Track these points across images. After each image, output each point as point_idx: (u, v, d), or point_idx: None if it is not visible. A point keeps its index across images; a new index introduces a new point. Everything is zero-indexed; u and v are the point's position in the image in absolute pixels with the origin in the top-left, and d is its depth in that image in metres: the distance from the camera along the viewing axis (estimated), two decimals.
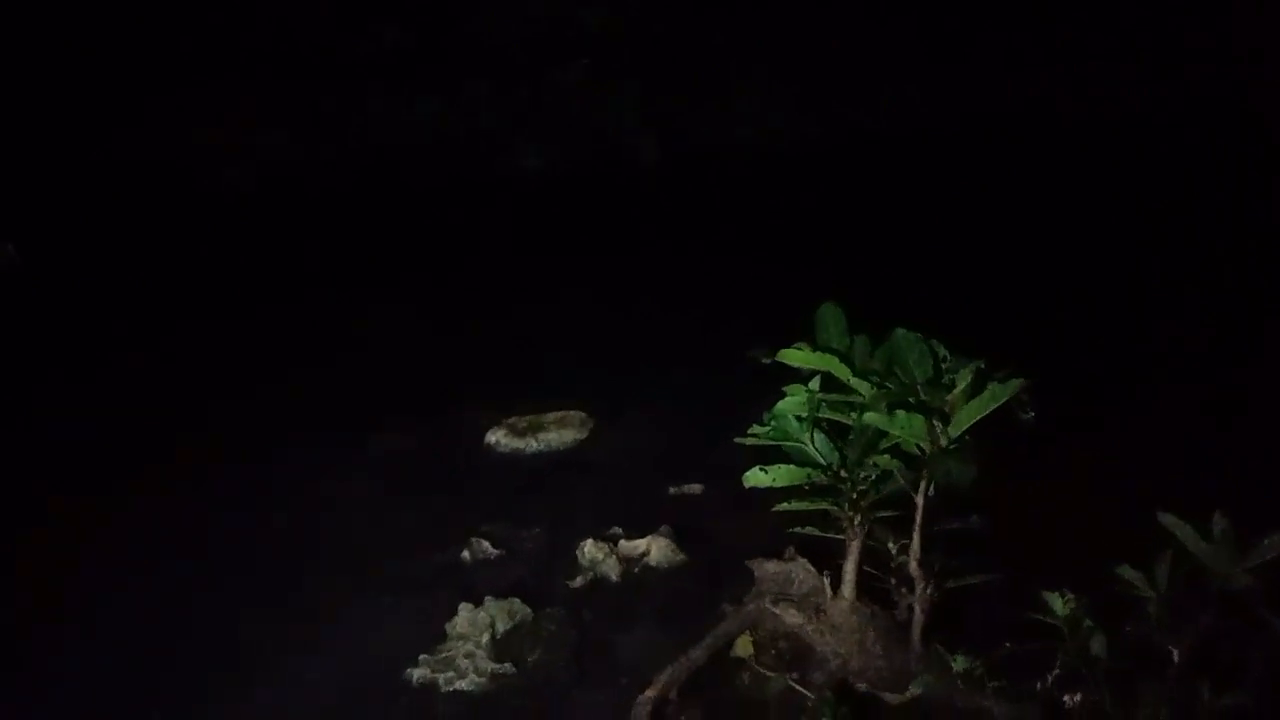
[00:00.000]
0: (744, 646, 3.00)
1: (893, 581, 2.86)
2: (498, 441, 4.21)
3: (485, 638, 3.10)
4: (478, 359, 5.12)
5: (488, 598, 3.21)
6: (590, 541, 3.43)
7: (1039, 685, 2.39)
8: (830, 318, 2.87)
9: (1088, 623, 2.33)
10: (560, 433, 4.22)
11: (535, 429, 4.24)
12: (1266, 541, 2.13)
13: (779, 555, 3.12)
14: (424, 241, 6.90)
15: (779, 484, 2.76)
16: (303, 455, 4.16)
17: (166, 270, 6.39)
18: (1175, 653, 2.21)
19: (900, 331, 2.75)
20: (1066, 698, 2.32)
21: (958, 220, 6.76)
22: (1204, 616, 2.14)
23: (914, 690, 2.54)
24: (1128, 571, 2.24)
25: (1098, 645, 2.32)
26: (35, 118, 7.71)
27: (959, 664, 2.54)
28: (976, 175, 7.60)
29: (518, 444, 4.19)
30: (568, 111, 8.84)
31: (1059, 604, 2.39)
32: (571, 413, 4.31)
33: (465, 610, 3.17)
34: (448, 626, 3.13)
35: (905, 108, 9.26)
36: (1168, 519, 2.20)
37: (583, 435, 4.23)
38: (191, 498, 3.91)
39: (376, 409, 4.54)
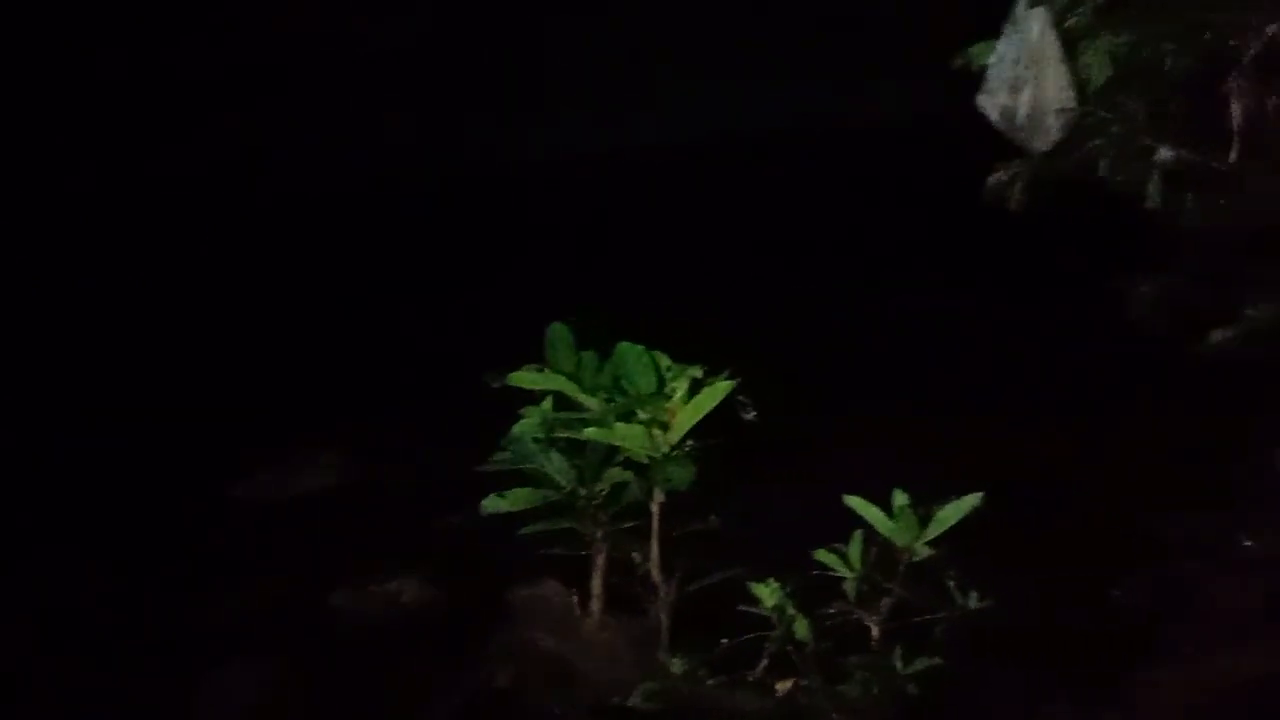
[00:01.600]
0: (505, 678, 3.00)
1: (639, 590, 2.91)
2: (239, 486, 4.07)
3: None
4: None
5: None
6: (339, 591, 3.35)
7: (750, 676, 2.49)
8: (559, 338, 2.93)
9: (789, 609, 2.44)
10: (315, 473, 4.11)
11: (283, 469, 4.12)
12: (939, 514, 2.28)
13: (536, 579, 3.14)
14: None
15: (517, 508, 2.79)
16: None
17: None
18: (872, 628, 2.34)
19: (624, 345, 2.84)
20: (778, 685, 2.42)
21: (710, 231, 6.94)
22: (894, 590, 2.28)
23: (633, 700, 2.60)
24: (824, 555, 2.37)
25: (801, 629, 2.43)
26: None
27: (676, 666, 2.61)
28: (735, 186, 7.82)
29: (267, 489, 4.06)
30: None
31: (766, 594, 2.49)
32: (322, 451, 4.21)
33: None
34: None
35: (669, 121, 9.47)
36: (853, 501, 2.34)
37: (335, 475, 4.13)
38: None
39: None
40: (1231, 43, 3.14)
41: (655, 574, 2.83)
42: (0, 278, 6.27)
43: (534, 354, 2.90)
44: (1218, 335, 3.26)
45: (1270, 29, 3.02)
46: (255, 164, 8.05)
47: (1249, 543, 3.20)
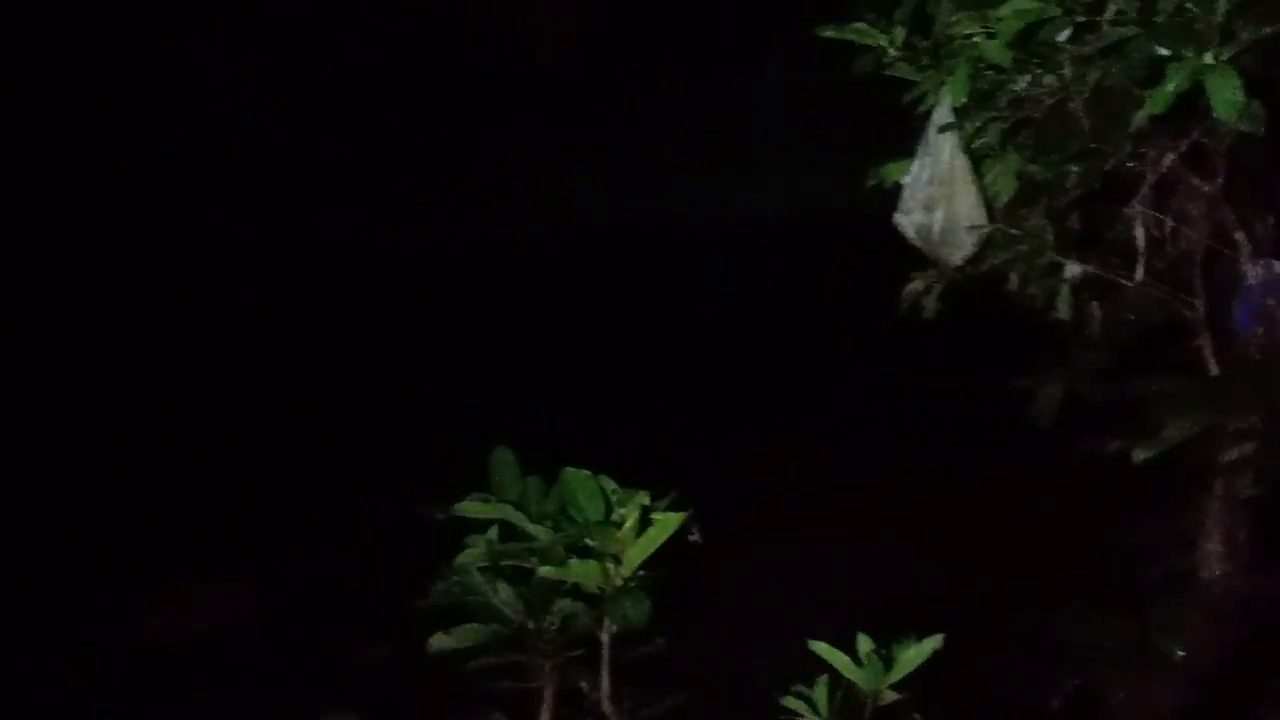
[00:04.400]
0: None
1: None
2: (155, 622, 3.87)
3: None
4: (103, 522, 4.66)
5: None
6: None
7: None
8: (503, 462, 2.89)
9: None
10: (222, 604, 3.95)
11: (192, 602, 3.94)
12: (901, 656, 2.32)
13: (482, 714, 3.06)
14: None
15: (465, 644, 2.72)
16: None
17: None
18: None
19: (569, 470, 2.81)
20: None
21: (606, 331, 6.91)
22: None
23: None
24: (792, 701, 2.37)
25: None
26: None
27: None
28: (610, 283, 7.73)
29: (163, 635, 3.86)
30: None
31: None
32: (228, 580, 4.05)
33: None
34: None
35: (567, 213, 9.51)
36: (820, 647, 2.36)
37: (244, 605, 3.97)
38: None
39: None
40: (1130, 165, 3.35)
41: (605, 705, 2.78)
42: None
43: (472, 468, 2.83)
44: (1125, 445, 3.39)
45: (1166, 160, 3.23)
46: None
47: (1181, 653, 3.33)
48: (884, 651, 2.32)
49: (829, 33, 3.56)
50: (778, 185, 9.08)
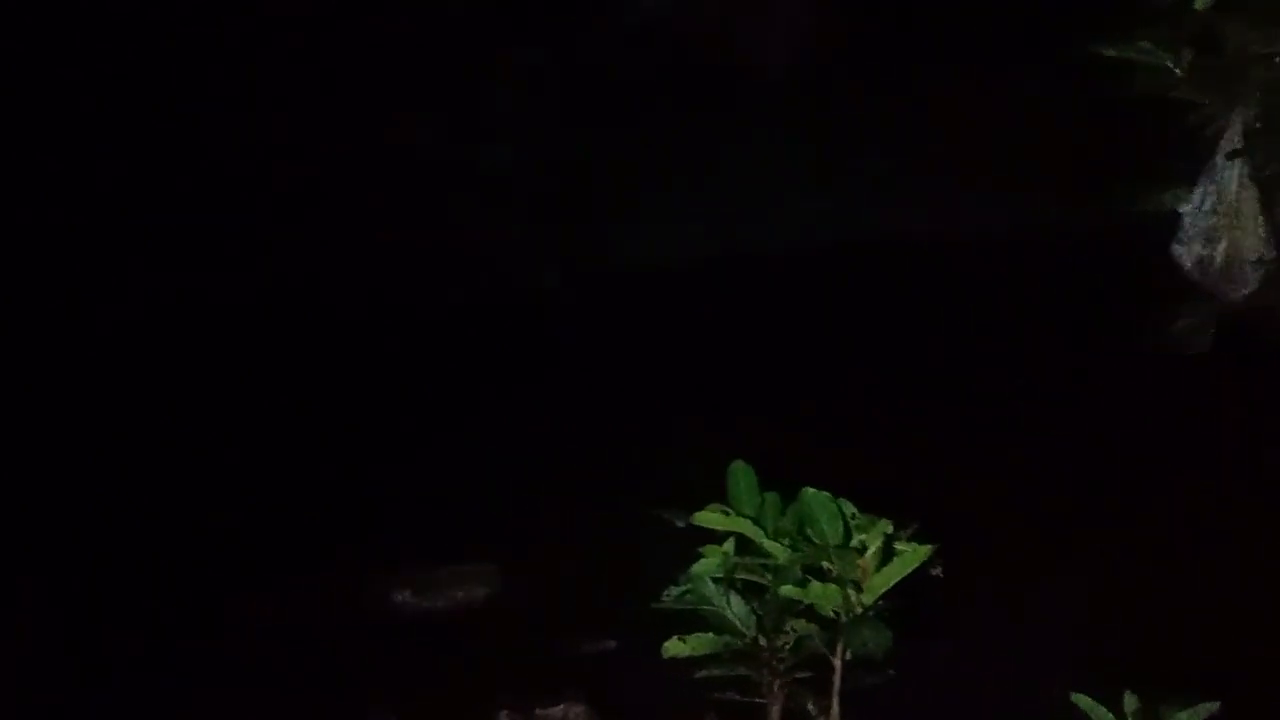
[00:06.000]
0: None
1: None
2: (403, 601, 4.11)
3: None
4: (356, 508, 4.95)
5: None
6: (505, 713, 3.35)
7: None
8: (741, 477, 2.91)
9: None
10: (466, 589, 4.14)
11: (437, 585, 4.15)
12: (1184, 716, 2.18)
13: None
14: None
15: (698, 653, 2.76)
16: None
17: None
18: None
19: (809, 491, 2.80)
20: None
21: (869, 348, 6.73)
22: None
23: None
24: None
25: None
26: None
27: None
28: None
29: (422, 602, 4.09)
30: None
31: None
32: (474, 567, 4.23)
33: None
34: None
35: (800, 228, 9.41)
36: (1082, 701, 2.25)
37: (490, 591, 4.15)
38: None
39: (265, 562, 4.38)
40: None
41: None
42: None
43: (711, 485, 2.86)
44: None
45: None
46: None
47: None
48: (1152, 711, 2.19)
49: (1110, 52, 3.38)
50: (1003, 201, 8.71)
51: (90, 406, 5.85)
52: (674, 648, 2.76)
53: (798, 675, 2.82)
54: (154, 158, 8.10)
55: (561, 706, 3.38)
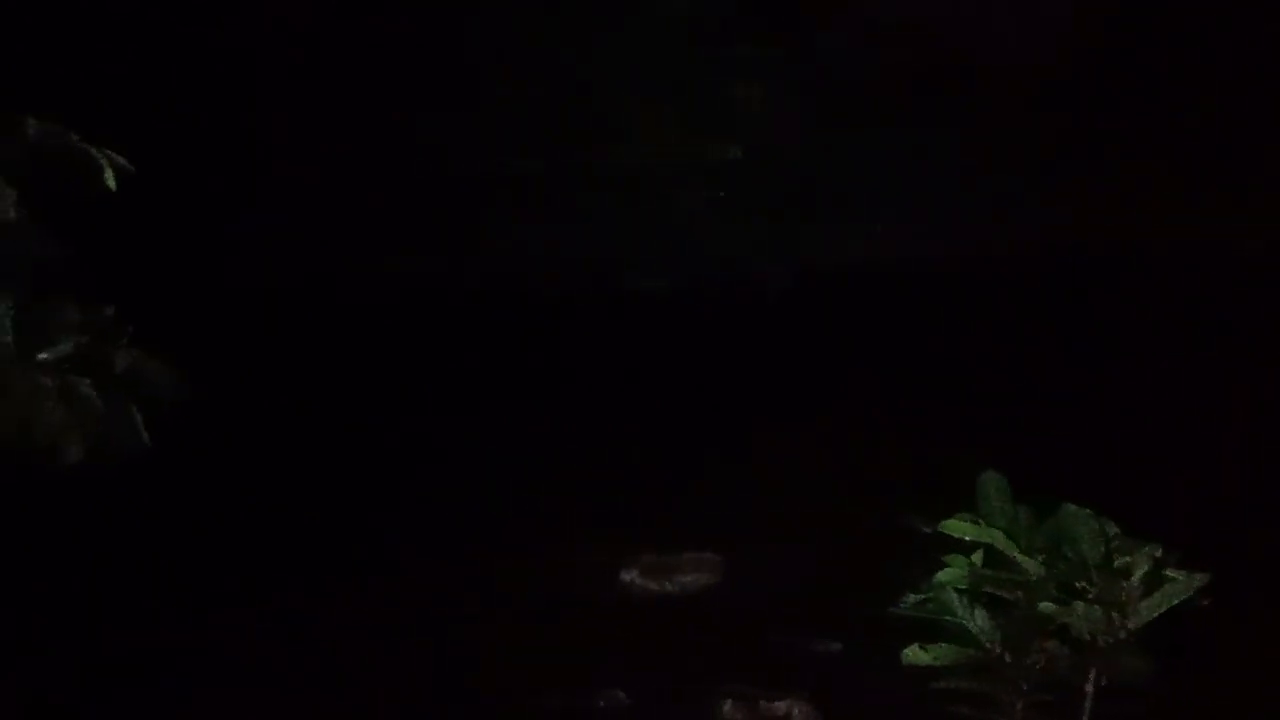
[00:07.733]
0: None
1: None
2: (633, 581, 4.19)
3: None
4: (598, 493, 5.05)
5: None
6: (730, 702, 3.36)
7: None
8: (993, 487, 2.80)
9: None
10: (695, 576, 4.18)
11: (669, 570, 4.21)
12: None
13: None
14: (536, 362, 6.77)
15: (940, 663, 2.68)
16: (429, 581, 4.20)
17: None
18: None
19: (1069, 507, 2.68)
20: None
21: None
22: None
23: None
24: None
25: None
26: None
27: None
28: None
29: (652, 585, 4.17)
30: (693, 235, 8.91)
31: None
32: (705, 555, 4.27)
33: None
34: None
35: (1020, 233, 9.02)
36: None
37: (717, 580, 4.19)
38: None
39: (500, 537, 4.54)
40: None
41: None
42: None
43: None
44: None
45: None
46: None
47: None
48: None
49: None
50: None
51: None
52: (915, 655, 2.68)
53: (1043, 697, 2.71)
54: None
55: (786, 701, 3.37)
